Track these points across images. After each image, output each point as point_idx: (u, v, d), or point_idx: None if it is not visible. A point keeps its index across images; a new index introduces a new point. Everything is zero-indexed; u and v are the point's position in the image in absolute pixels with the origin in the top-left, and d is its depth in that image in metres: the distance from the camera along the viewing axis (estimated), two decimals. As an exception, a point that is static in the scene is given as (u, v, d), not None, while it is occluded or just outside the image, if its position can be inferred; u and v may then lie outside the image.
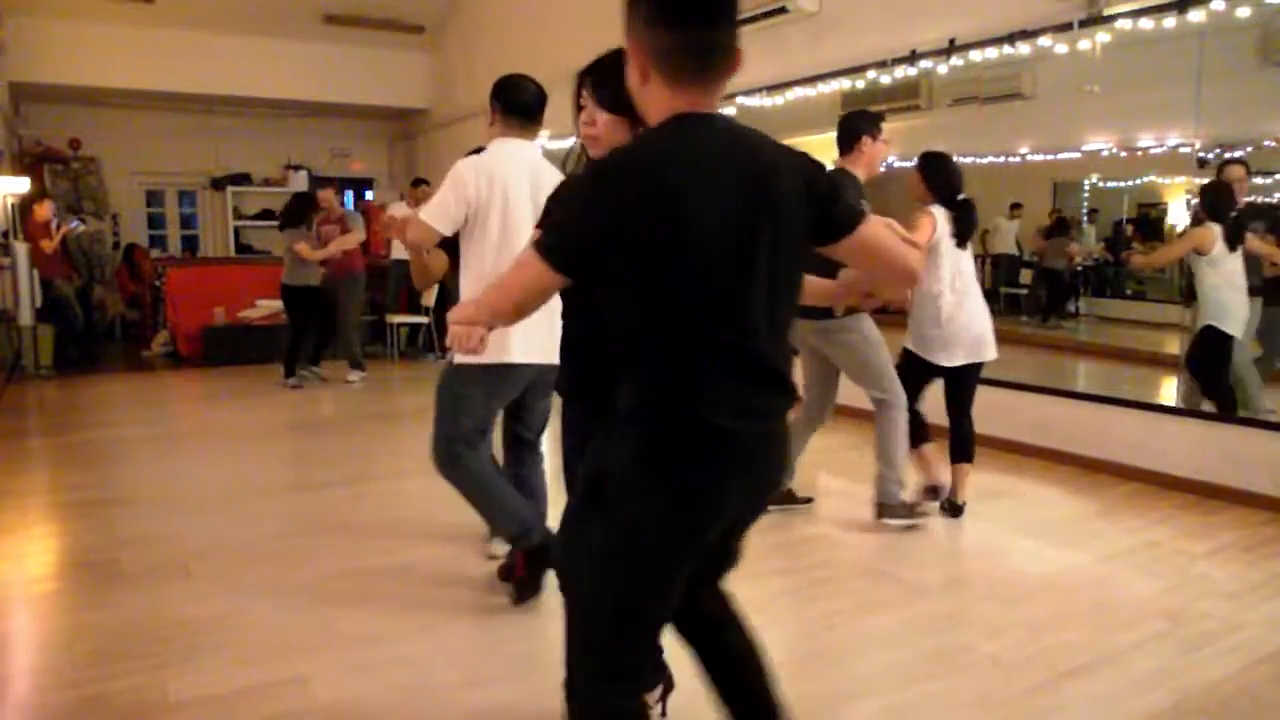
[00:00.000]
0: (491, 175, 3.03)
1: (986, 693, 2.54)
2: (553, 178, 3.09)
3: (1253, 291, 4.87)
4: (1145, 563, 3.63)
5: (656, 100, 1.52)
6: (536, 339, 3.02)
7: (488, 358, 3.00)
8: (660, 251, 1.43)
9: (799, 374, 4.18)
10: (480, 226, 3.05)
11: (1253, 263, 4.87)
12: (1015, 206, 7.93)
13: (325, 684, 2.63)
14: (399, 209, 8.33)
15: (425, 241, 3.04)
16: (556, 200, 2.06)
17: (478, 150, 3.21)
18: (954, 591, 3.46)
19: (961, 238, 4.02)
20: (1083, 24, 4.76)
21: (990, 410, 4.60)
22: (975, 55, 5.36)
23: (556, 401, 2.18)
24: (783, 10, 6.29)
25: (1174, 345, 5.58)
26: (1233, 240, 4.70)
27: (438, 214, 3.03)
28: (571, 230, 1.50)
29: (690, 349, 1.47)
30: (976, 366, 4.08)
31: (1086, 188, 7.54)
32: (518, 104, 3.14)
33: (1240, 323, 4.79)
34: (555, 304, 3.15)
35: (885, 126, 3.86)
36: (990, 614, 3.15)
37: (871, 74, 5.95)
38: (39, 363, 8.38)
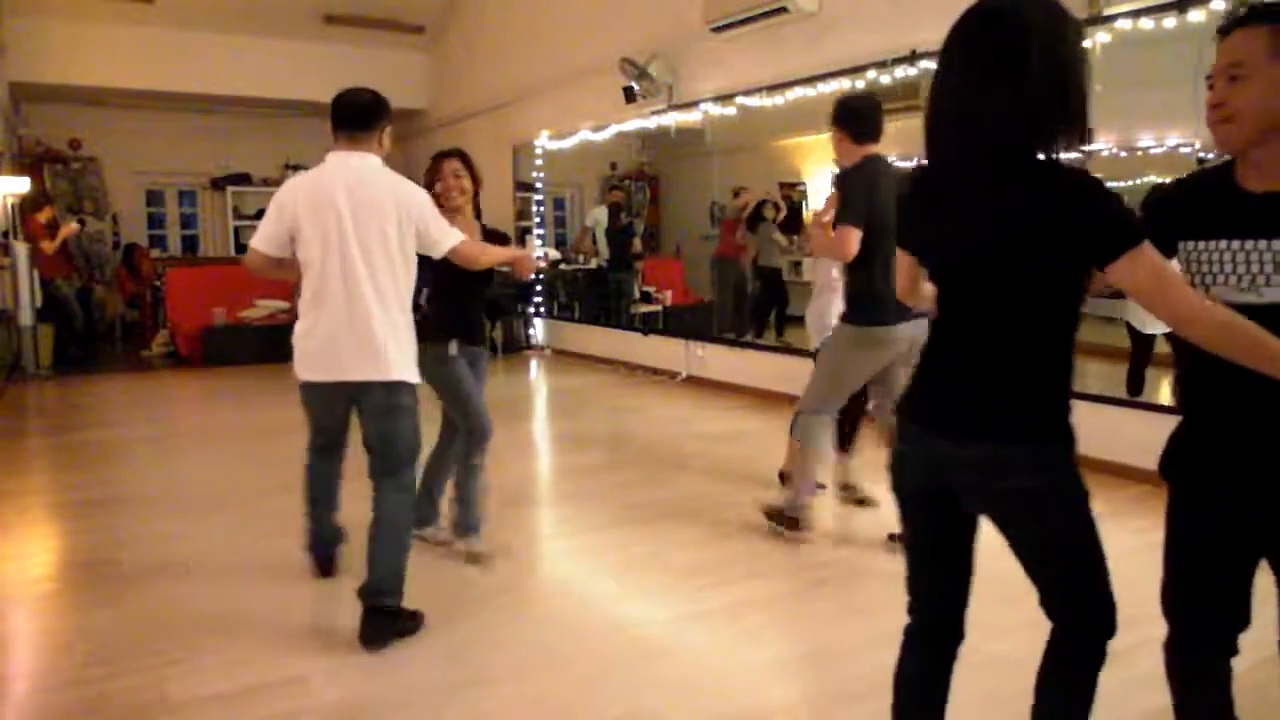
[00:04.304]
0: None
1: (993, 690, 2.54)
2: (367, 189, 2.92)
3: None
4: (1151, 564, 3.59)
5: None
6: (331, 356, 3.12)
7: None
8: None
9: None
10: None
11: None
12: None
13: (325, 683, 2.63)
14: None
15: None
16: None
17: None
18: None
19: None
20: (1083, 24, 4.75)
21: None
22: (976, 55, 5.35)
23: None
24: (783, 10, 6.28)
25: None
26: None
27: None
28: None
29: None
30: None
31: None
32: (333, 118, 2.97)
33: None
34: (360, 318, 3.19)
35: (885, 126, 3.82)
36: (996, 613, 3.11)
37: (871, 74, 5.95)
38: (39, 363, 8.39)
